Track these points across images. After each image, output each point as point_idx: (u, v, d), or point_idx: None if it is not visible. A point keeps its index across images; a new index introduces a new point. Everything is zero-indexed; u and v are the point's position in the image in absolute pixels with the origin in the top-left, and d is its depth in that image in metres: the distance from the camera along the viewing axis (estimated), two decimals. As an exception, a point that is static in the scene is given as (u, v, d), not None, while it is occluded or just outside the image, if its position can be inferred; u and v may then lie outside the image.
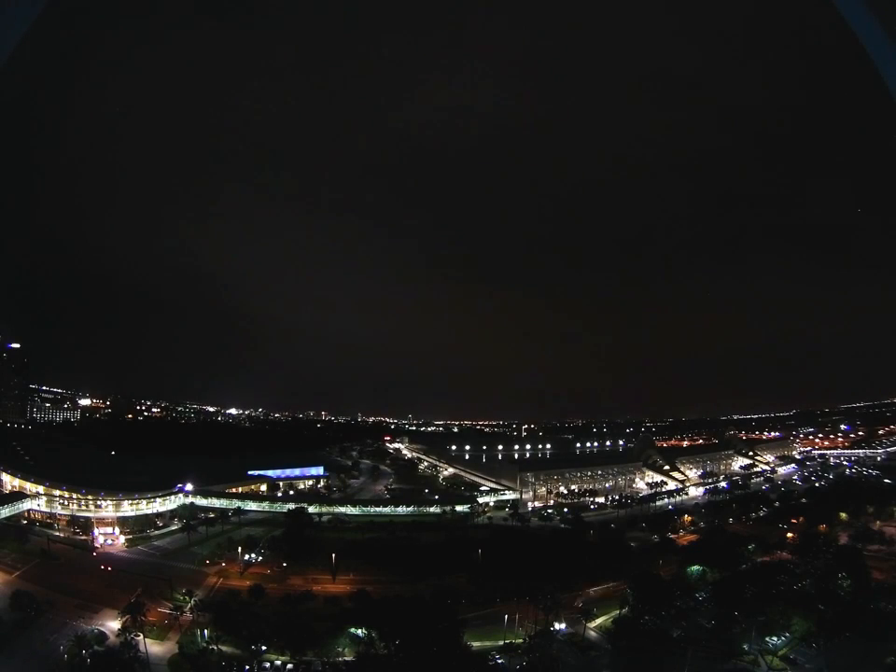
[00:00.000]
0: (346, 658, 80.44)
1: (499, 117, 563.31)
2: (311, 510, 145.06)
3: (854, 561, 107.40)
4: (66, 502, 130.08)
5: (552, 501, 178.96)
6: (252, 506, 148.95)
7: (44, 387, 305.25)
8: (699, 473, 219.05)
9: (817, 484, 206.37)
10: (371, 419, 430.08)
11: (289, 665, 79.68)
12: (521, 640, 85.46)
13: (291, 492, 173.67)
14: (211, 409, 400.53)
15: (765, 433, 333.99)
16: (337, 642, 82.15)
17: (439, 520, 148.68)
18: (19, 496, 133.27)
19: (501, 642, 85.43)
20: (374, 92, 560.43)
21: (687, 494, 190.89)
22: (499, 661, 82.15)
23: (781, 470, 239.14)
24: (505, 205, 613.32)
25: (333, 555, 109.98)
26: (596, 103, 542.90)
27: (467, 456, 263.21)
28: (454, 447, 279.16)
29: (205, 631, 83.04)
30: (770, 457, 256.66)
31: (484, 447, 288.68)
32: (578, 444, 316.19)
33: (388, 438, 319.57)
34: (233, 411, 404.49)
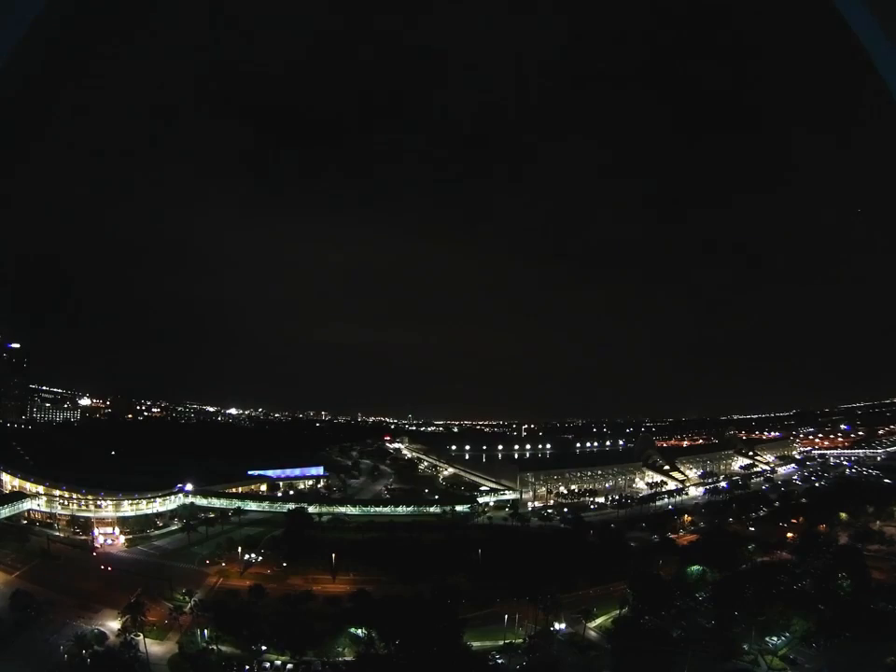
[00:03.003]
0: (346, 658, 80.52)
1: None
2: (311, 510, 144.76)
3: (854, 561, 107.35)
4: (66, 502, 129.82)
5: (552, 501, 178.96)
6: (252, 506, 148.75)
7: (44, 387, 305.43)
8: (699, 473, 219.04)
9: (817, 484, 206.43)
10: (371, 419, 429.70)
11: (289, 665, 79.64)
12: (521, 640, 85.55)
13: (291, 492, 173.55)
14: (211, 409, 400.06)
15: (765, 433, 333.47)
16: (337, 642, 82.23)
17: (439, 520, 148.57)
18: (19, 496, 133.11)
19: (501, 642, 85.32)
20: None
21: (687, 494, 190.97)
22: (499, 661, 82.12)
23: (781, 470, 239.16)
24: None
25: (333, 555, 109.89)
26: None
27: (467, 456, 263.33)
28: (454, 447, 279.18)
29: (205, 631, 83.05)
30: (770, 457, 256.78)
31: (484, 447, 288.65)
32: (578, 444, 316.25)
33: (388, 438, 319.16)
34: (233, 411, 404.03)
